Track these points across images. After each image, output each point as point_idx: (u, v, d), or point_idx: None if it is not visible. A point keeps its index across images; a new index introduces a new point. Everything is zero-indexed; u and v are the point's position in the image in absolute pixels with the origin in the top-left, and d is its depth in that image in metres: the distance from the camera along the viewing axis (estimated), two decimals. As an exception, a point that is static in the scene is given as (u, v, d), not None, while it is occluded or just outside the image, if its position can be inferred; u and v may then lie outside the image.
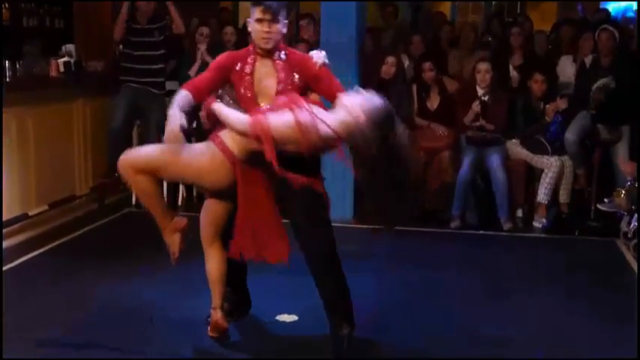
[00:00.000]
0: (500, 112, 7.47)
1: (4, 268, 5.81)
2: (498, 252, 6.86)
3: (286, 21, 4.27)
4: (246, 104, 4.17)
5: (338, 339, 4.32)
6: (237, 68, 4.21)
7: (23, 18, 9.73)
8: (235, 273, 4.62)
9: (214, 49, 7.90)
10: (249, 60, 4.21)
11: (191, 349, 4.45)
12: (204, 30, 8.41)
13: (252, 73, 4.18)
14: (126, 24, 7.89)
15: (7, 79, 6.62)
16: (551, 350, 4.61)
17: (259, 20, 4.10)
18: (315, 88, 4.26)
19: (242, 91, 4.20)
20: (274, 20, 4.10)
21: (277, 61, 4.19)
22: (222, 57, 4.38)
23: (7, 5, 9.48)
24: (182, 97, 4.11)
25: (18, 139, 6.56)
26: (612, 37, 7.64)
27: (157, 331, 4.58)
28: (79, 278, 5.65)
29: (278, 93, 4.11)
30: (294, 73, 4.17)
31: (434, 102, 7.83)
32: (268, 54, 4.19)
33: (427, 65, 7.82)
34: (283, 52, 4.23)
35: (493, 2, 13.79)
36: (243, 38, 8.52)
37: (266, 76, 4.19)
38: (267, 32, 4.10)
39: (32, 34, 9.56)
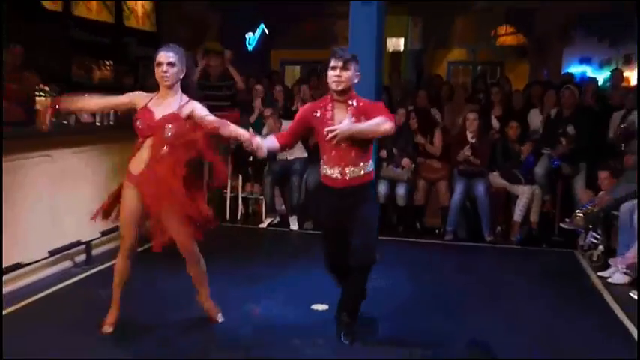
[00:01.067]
0: (484, 151, 7.52)
1: (111, 263, 5.92)
2: (482, 259, 6.87)
3: (358, 73, 4.09)
4: (327, 143, 4.02)
5: (340, 324, 4.35)
6: (318, 115, 4.11)
7: (123, 77, 9.98)
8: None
9: (267, 102, 8.10)
10: (328, 107, 4.09)
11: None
12: (259, 87, 8.57)
13: (332, 118, 4.04)
14: (202, 82, 8.05)
15: (111, 123, 6.74)
16: (520, 329, 4.67)
17: (333, 67, 4.00)
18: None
19: (324, 132, 3.96)
20: (345, 68, 3.99)
21: (350, 107, 4.05)
22: (301, 111, 4.32)
23: (111, 67, 9.76)
24: (270, 141, 4.21)
25: (120, 167, 6.66)
26: (573, 95, 7.69)
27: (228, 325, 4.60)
28: (159, 273, 5.56)
29: None
30: (362, 116, 3.99)
31: (422, 147, 7.87)
32: (343, 101, 4.06)
33: (411, 115, 7.92)
34: (355, 100, 4.07)
35: (479, 67, 13.84)
36: (289, 94, 8.72)
37: (342, 119, 3.99)
38: (338, 76, 3.99)
39: (130, 89, 9.77)
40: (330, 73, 4.02)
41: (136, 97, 4.23)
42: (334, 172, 4.08)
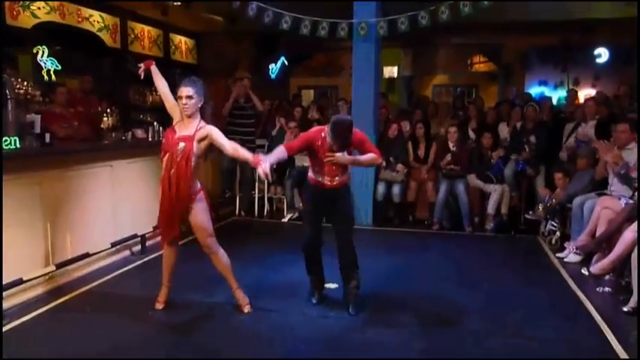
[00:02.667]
0: (463, 157, 7.44)
1: (161, 252, 5.86)
2: (463, 245, 6.78)
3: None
4: (322, 164, 4.16)
5: (349, 291, 4.39)
6: (319, 143, 4.13)
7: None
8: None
9: (288, 120, 8.08)
10: (326, 139, 4.09)
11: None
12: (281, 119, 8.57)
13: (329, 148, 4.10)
14: (234, 103, 8.06)
15: (161, 139, 6.66)
16: (494, 297, 4.65)
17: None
18: (361, 150, 4.23)
19: (320, 156, 4.14)
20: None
21: None
22: (309, 135, 4.24)
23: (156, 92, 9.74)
24: (280, 150, 4.07)
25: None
26: (534, 110, 7.75)
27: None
28: (202, 260, 5.59)
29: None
30: (352, 147, 4.18)
31: (422, 151, 7.79)
32: None
33: (419, 125, 7.86)
34: None
35: (458, 89, 13.75)
36: (304, 113, 8.69)
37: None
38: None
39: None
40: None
41: (175, 111, 4.06)
42: (325, 179, 4.25)
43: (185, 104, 3.94)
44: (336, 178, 4.24)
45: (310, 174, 4.36)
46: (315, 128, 4.38)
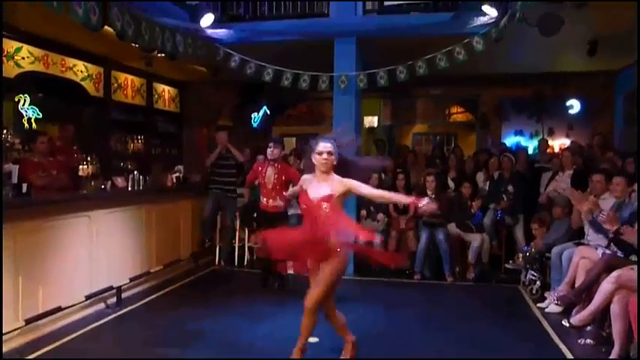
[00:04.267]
0: (441, 205, 7.37)
1: (138, 305, 5.76)
2: (444, 294, 6.70)
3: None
4: (264, 185, 6.37)
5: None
6: (260, 169, 6.42)
7: (152, 149, 9.87)
8: None
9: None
10: (265, 166, 6.39)
11: None
12: (261, 157, 8.44)
13: (266, 173, 6.37)
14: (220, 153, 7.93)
15: (141, 188, 6.58)
16: (475, 349, 4.55)
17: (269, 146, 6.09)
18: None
19: (261, 180, 6.40)
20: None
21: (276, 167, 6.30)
22: (255, 166, 6.72)
23: (142, 140, 9.62)
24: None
25: (146, 224, 6.51)
26: (510, 161, 7.82)
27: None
28: (180, 312, 5.56)
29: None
30: (283, 175, 6.28)
31: (402, 201, 7.73)
32: (272, 165, 6.31)
33: (401, 176, 7.83)
34: (278, 164, 6.30)
35: (437, 137, 13.85)
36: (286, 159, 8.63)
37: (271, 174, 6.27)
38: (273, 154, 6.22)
39: (157, 158, 9.69)
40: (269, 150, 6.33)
41: (304, 182, 4.03)
42: (264, 201, 6.33)
43: (326, 159, 3.86)
44: (271, 201, 6.25)
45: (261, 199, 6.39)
46: (259, 162, 6.81)
